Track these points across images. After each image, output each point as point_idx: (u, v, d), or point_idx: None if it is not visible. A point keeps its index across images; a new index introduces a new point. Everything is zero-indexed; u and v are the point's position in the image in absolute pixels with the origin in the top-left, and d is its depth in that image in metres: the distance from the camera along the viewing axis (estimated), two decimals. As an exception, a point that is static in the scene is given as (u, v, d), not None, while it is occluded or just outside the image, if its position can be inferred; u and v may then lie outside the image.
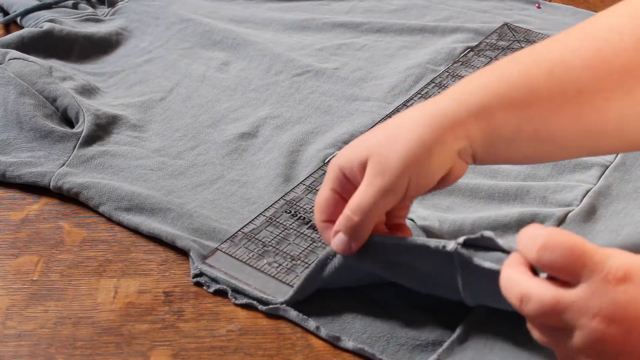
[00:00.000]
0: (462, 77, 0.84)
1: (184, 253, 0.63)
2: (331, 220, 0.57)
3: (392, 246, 0.55)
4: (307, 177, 0.71)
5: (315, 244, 0.63)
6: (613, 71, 0.54)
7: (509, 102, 0.54)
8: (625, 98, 0.54)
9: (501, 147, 0.55)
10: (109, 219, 0.67)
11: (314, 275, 0.58)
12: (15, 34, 0.87)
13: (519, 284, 0.45)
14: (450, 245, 0.52)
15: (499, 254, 0.51)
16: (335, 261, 0.57)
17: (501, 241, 0.51)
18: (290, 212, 0.67)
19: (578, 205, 0.67)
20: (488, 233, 0.51)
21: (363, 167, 0.55)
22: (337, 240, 0.56)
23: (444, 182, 0.57)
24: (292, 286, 0.59)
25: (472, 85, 0.56)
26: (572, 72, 0.54)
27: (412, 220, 0.65)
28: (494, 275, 0.49)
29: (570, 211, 0.66)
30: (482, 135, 0.55)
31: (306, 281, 0.58)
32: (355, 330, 0.56)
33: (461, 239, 0.52)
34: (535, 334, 0.46)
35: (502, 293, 0.47)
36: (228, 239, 0.64)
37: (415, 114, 0.56)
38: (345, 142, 0.75)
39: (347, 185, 0.57)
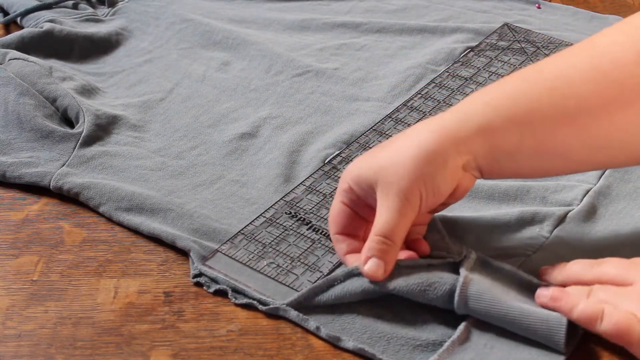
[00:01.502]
0: (463, 77, 0.84)
1: (184, 253, 0.63)
2: (344, 232, 0.60)
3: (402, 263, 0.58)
4: (307, 177, 0.71)
5: (314, 245, 0.63)
6: (612, 85, 0.55)
7: (510, 119, 0.56)
8: (626, 111, 0.55)
9: (505, 162, 0.57)
10: (109, 219, 0.67)
11: (317, 291, 0.58)
12: (15, 34, 0.87)
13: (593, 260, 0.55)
14: (472, 254, 0.57)
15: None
16: (347, 284, 0.57)
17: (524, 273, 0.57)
18: (290, 213, 0.67)
19: (578, 204, 0.67)
20: (508, 265, 0.57)
21: (372, 188, 0.57)
22: (371, 265, 0.56)
23: (454, 196, 0.59)
24: (291, 288, 0.59)
25: (475, 102, 0.58)
26: (572, 87, 0.55)
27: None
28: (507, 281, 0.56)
29: (570, 211, 0.66)
30: (485, 151, 0.56)
31: (310, 291, 0.58)
32: (355, 330, 0.56)
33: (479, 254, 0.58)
34: (599, 295, 0.52)
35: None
36: (228, 240, 0.64)
37: (420, 131, 0.57)
38: (345, 142, 0.75)
39: (356, 200, 0.59)
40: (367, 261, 0.56)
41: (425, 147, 0.56)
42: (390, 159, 0.57)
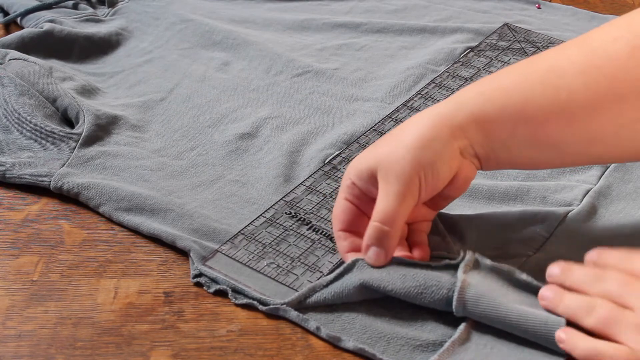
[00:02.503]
0: (463, 77, 0.84)
1: (184, 253, 0.63)
2: (347, 229, 0.60)
3: (398, 261, 0.58)
4: (307, 177, 0.71)
5: (314, 246, 0.63)
6: (605, 78, 0.55)
7: (503, 108, 0.57)
8: (619, 105, 0.55)
9: (500, 151, 0.58)
10: (109, 220, 0.67)
11: (316, 289, 0.58)
12: (15, 34, 0.87)
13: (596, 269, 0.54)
14: (469, 255, 0.57)
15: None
16: (345, 279, 0.58)
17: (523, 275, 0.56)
18: (290, 213, 0.67)
19: (578, 204, 0.67)
20: (506, 266, 0.56)
21: (372, 176, 0.58)
22: (370, 253, 0.57)
23: (456, 185, 0.59)
24: (291, 288, 0.59)
25: (470, 91, 0.59)
26: (565, 78, 0.56)
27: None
28: (504, 281, 0.56)
29: (570, 211, 0.66)
30: (481, 138, 0.57)
31: (309, 290, 0.58)
32: (355, 330, 0.56)
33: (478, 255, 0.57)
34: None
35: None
36: (228, 240, 0.64)
37: (417, 120, 0.59)
38: (346, 143, 0.75)
39: (359, 195, 0.59)
40: (367, 250, 0.57)
41: (423, 133, 0.57)
42: (390, 148, 0.58)
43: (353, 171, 0.59)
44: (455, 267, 0.57)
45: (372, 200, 0.59)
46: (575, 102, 0.55)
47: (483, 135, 0.57)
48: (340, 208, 0.60)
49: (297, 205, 0.67)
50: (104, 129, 0.75)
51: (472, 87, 0.59)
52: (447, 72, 0.85)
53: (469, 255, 0.57)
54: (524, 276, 0.56)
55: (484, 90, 0.58)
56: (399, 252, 0.59)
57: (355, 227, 0.60)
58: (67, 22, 0.92)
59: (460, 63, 0.87)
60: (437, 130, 0.57)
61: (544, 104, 0.56)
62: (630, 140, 0.56)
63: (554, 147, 0.57)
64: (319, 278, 0.60)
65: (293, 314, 0.57)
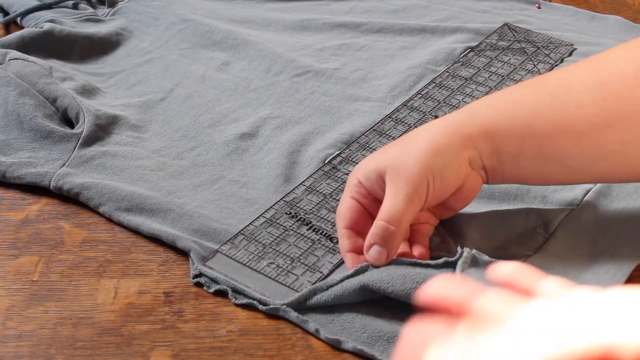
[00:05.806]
0: (463, 77, 0.84)
1: (184, 253, 0.63)
2: (351, 227, 0.60)
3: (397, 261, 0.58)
4: (307, 177, 0.71)
5: (314, 246, 0.63)
6: (611, 95, 0.56)
7: (512, 121, 0.58)
8: (624, 122, 0.56)
9: (507, 164, 0.59)
10: (109, 220, 0.67)
11: (316, 291, 0.58)
12: (15, 34, 0.87)
13: None
14: (467, 252, 0.56)
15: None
16: (346, 283, 0.57)
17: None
18: (290, 213, 0.67)
19: (578, 204, 0.67)
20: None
21: (380, 177, 0.58)
22: (372, 252, 0.57)
23: (461, 194, 0.60)
24: (291, 288, 0.59)
25: (481, 103, 0.60)
26: (572, 93, 0.57)
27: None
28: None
29: (570, 210, 0.66)
30: (489, 150, 0.58)
31: (309, 292, 0.58)
32: (355, 330, 0.56)
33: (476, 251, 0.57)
34: None
35: None
36: (228, 240, 0.64)
37: (427, 126, 0.60)
38: (346, 143, 0.75)
39: (366, 194, 0.60)
40: (369, 248, 0.57)
41: (435, 140, 0.58)
42: (400, 151, 0.58)
43: (360, 171, 0.60)
44: (453, 265, 0.57)
45: (377, 200, 0.59)
46: (582, 117, 0.56)
47: (491, 147, 0.58)
48: (345, 206, 0.60)
49: (297, 205, 0.67)
50: (104, 129, 0.75)
51: (484, 99, 0.60)
52: (447, 72, 0.85)
53: (466, 252, 0.57)
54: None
55: (494, 102, 0.59)
56: (399, 249, 0.59)
57: (359, 226, 0.60)
58: (67, 22, 0.92)
59: (460, 63, 0.87)
60: (449, 138, 0.57)
61: (551, 118, 0.57)
62: (636, 158, 0.57)
63: (560, 162, 0.58)
64: (319, 278, 0.60)
65: (293, 314, 0.57)
